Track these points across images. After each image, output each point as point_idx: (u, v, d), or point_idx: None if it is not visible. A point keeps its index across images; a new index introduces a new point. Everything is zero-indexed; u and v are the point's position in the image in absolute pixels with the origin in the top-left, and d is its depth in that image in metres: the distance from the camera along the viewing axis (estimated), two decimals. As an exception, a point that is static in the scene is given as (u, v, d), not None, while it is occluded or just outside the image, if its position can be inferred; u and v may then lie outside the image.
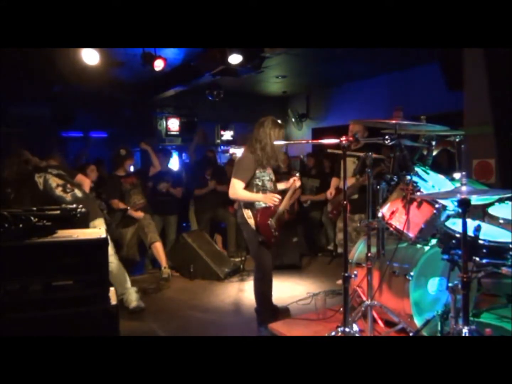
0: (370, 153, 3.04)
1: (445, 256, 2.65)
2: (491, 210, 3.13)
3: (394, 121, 2.88)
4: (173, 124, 9.58)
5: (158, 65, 5.86)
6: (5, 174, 3.82)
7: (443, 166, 4.62)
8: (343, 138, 2.75)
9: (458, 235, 2.55)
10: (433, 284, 3.10)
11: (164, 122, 9.58)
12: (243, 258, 5.74)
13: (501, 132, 4.17)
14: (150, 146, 6.12)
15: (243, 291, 4.74)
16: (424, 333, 2.87)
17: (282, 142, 3.76)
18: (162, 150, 6.88)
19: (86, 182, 4.27)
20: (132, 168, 6.20)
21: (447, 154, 4.68)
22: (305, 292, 4.57)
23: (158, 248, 5.30)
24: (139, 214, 5.29)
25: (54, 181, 3.88)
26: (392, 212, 2.92)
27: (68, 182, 3.96)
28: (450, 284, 2.43)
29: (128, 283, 4.14)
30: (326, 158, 6.91)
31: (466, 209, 2.24)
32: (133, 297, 4.08)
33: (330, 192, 4.78)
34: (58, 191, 3.83)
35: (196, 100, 8.97)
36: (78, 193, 3.93)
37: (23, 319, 1.93)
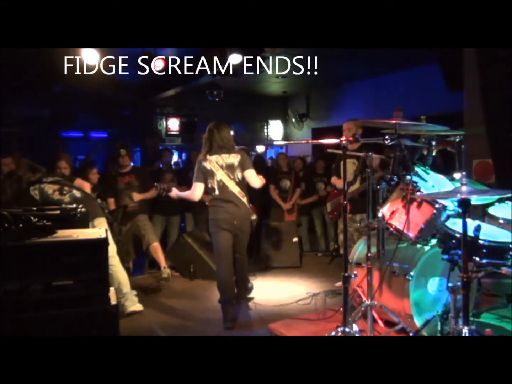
0: (370, 153, 3.04)
1: (445, 256, 2.65)
2: (491, 210, 3.13)
3: (394, 121, 2.88)
4: (173, 124, 9.59)
5: (158, 65, 5.86)
6: (3, 199, 3.81)
7: (440, 167, 4.61)
8: (343, 138, 2.75)
9: (458, 235, 2.55)
10: (433, 284, 3.10)
11: (164, 122, 9.59)
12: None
13: (498, 132, 4.15)
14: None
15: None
16: (424, 333, 2.87)
17: (282, 142, 3.84)
18: (165, 149, 6.86)
19: (86, 185, 4.25)
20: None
21: (443, 154, 4.68)
22: (305, 292, 4.56)
23: (156, 249, 5.27)
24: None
25: (50, 188, 3.86)
26: (392, 212, 2.92)
27: (64, 185, 3.94)
28: (450, 284, 2.43)
29: (127, 288, 4.11)
30: (323, 158, 6.91)
31: (466, 209, 2.24)
32: (129, 303, 4.06)
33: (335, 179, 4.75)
34: (56, 196, 3.82)
35: (196, 100, 8.97)
36: (76, 193, 3.91)
37: (23, 319, 1.93)
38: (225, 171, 3.84)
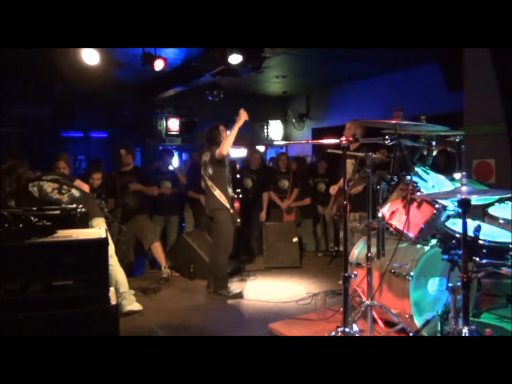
0: (370, 153, 3.04)
1: (445, 256, 2.65)
2: (491, 210, 3.13)
3: (394, 121, 2.88)
4: (173, 124, 9.57)
5: (158, 65, 5.86)
6: (1, 195, 3.80)
7: (441, 167, 4.61)
8: (343, 138, 2.75)
9: (458, 235, 2.55)
10: (433, 284, 3.10)
11: (164, 122, 9.58)
12: (243, 257, 5.74)
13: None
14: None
15: (243, 291, 4.75)
16: (424, 333, 2.87)
17: (282, 142, 3.90)
18: (165, 150, 6.83)
19: (85, 187, 4.25)
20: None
21: (446, 154, 4.67)
22: (305, 292, 4.57)
23: (158, 248, 5.29)
24: None
25: (48, 186, 3.86)
26: (392, 212, 2.92)
27: (63, 184, 3.93)
28: (450, 284, 2.43)
29: (125, 287, 4.09)
30: (324, 158, 6.91)
31: (466, 209, 2.24)
32: (126, 302, 4.06)
33: (333, 188, 4.78)
34: (54, 195, 3.82)
35: (196, 100, 8.97)
36: (75, 193, 3.91)
37: (23, 319, 1.93)
38: (202, 167, 4.63)
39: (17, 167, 3.97)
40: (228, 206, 4.47)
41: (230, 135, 4.41)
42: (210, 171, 4.50)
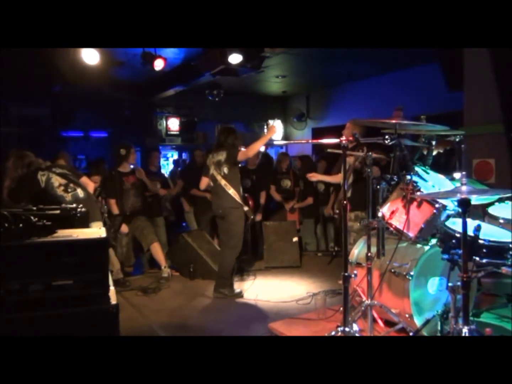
0: (370, 153, 3.04)
1: (445, 256, 2.65)
2: (491, 210, 3.14)
3: (394, 121, 2.88)
4: (173, 124, 9.58)
5: (158, 65, 5.86)
6: (10, 177, 3.78)
7: (448, 166, 4.61)
8: (343, 138, 2.76)
9: (458, 235, 2.55)
10: (433, 284, 3.10)
11: (164, 122, 9.59)
12: (243, 257, 5.74)
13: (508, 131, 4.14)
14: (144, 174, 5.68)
15: (243, 291, 4.75)
16: (424, 333, 2.87)
17: (282, 142, 3.91)
18: (154, 148, 6.76)
19: (91, 186, 4.23)
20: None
21: (452, 153, 4.66)
22: (305, 292, 4.57)
23: (157, 248, 5.30)
24: (124, 229, 5.25)
25: (56, 180, 3.84)
26: (392, 212, 2.92)
27: (71, 181, 3.91)
28: (450, 284, 2.43)
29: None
30: (325, 158, 6.91)
31: (466, 209, 2.24)
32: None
33: (314, 175, 4.78)
34: (60, 191, 3.80)
35: (196, 100, 8.97)
36: (80, 193, 3.89)
37: (23, 319, 1.93)
38: (214, 166, 4.57)
39: (29, 155, 3.95)
40: (242, 203, 4.56)
41: (258, 142, 4.48)
42: (225, 170, 4.52)
